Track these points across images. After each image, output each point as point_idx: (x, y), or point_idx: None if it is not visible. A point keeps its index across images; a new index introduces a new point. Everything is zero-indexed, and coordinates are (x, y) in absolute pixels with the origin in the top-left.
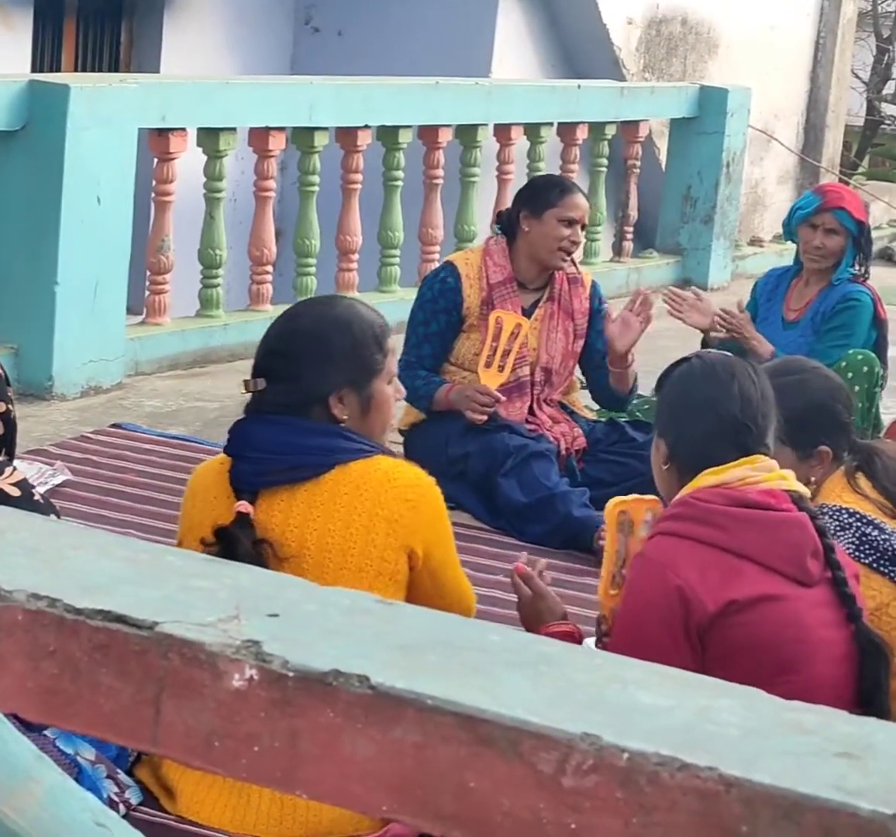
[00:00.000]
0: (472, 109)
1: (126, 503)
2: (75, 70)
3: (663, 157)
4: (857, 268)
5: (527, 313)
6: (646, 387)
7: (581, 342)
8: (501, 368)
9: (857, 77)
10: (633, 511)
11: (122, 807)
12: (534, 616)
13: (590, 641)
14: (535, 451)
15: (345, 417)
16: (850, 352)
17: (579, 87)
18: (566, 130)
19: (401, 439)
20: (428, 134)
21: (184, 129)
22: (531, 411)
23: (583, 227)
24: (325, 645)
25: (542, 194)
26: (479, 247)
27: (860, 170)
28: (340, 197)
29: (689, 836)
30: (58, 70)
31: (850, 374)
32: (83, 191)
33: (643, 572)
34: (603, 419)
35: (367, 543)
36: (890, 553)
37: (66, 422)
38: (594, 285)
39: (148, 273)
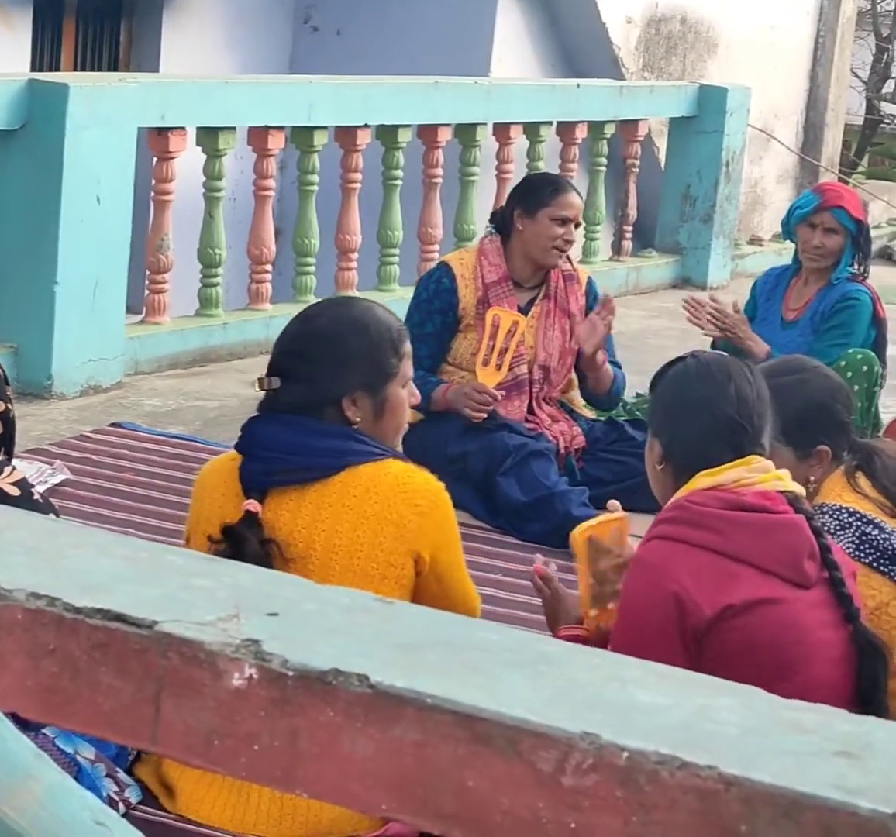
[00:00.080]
0: (472, 108)
1: (125, 502)
2: (75, 69)
3: (663, 156)
4: (856, 267)
5: (523, 312)
6: (646, 385)
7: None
8: (499, 366)
9: (857, 76)
10: (600, 532)
11: (121, 806)
12: (552, 617)
13: None
14: (535, 450)
15: (358, 420)
16: (850, 351)
17: (578, 86)
18: (565, 129)
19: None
20: (427, 133)
21: (183, 129)
22: (530, 410)
23: (577, 226)
24: (325, 644)
25: (535, 193)
26: (473, 247)
27: (859, 169)
28: (340, 196)
29: (688, 835)
30: (57, 69)
31: (849, 373)
32: (83, 190)
33: (639, 577)
34: (602, 418)
35: (373, 547)
36: (890, 552)
37: (66, 422)
38: (590, 282)
39: (147, 272)
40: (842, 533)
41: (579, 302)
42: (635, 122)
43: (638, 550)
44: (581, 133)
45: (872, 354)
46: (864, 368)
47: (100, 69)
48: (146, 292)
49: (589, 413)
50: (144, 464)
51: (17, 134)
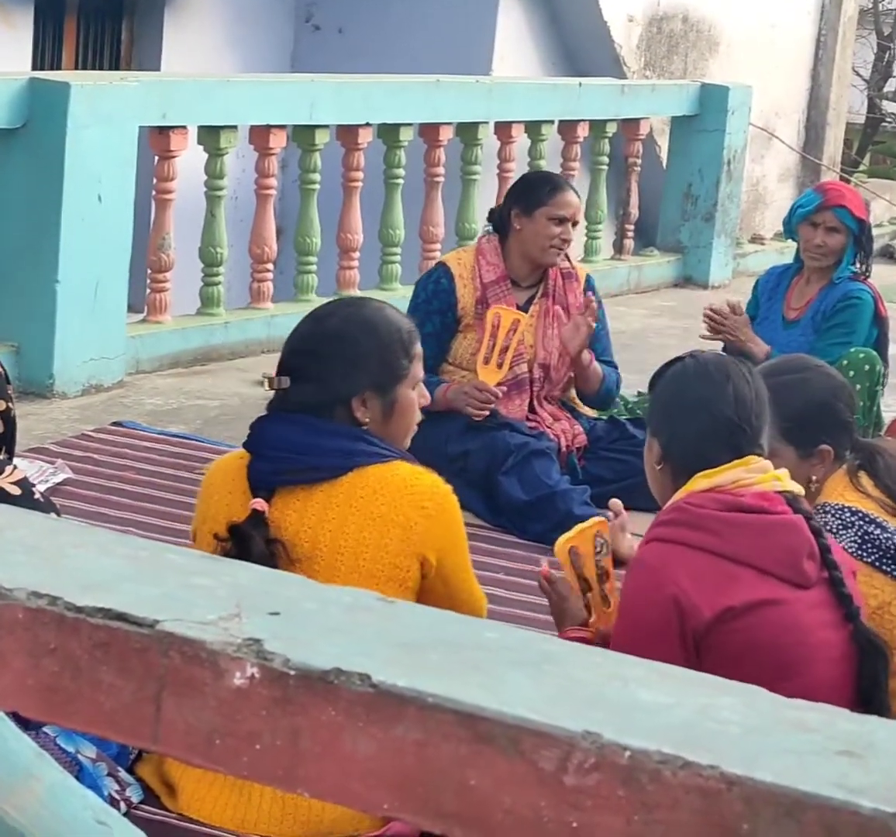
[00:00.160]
0: (473, 107)
1: (126, 501)
2: (76, 68)
3: (664, 155)
4: (857, 266)
5: (522, 310)
6: (647, 384)
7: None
8: (500, 365)
9: (859, 74)
10: (580, 542)
11: (123, 805)
12: (559, 619)
13: None
14: (536, 449)
15: (367, 420)
16: (852, 350)
17: (580, 84)
18: (567, 128)
19: None
20: (429, 132)
21: (184, 127)
22: (531, 409)
23: (574, 225)
24: (326, 643)
25: (532, 192)
26: (471, 247)
27: (861, 167)
28: (341, 195)
29: (690, 834)
30: (58, 68)
31: (851, 373)
32: (84, 189)
33: (638, 579)
34: (603, 417)
35: (379, 548)
36: (892, 551)
37: (67, 421)
38: (588, 279)
39: (149, 271)
40: (844, 532)
41: (578, 299)
42: (637, 120)
43: (637, 552)
44: (583, 132)
45: (874, 353)
46: (867, 367)
47: (101, 68)
48: (147, 291)
49: (590, 411)
50: (146, 463)
51: (19, 133)
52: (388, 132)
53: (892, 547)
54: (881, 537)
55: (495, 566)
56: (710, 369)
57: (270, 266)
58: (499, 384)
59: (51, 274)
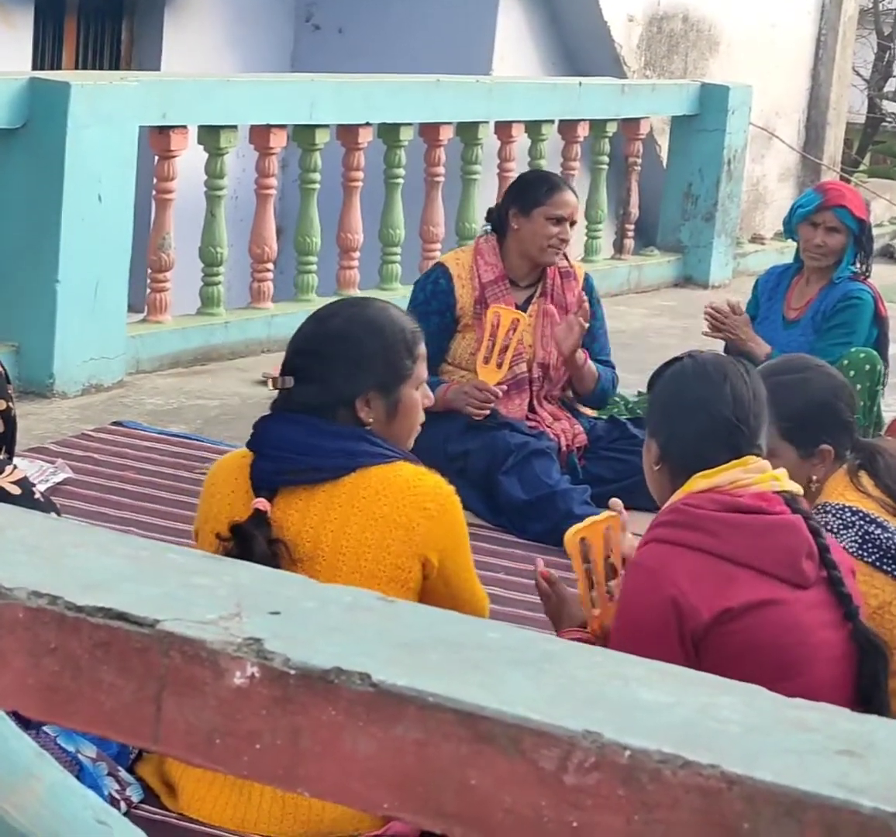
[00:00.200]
0: (473, 107)
1: (127, 501)
2: (76, 68)
3: (664, 155)
4: (858, 266)
5: (520, 310)
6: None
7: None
8: (500, 364)
9: (859, 74)
10: (591, 534)
11: (123, 805)
12: (556, 619)
13: None
14: (536, 449)
15: (371, 421)
16: (853, 349)
17: (580, 84)
18: (567, 128)
19: None
20: (429, 131)
21: (184, 127)
22: (532, 408)
23: (572, 224)
24: (327, 642)
25: (530, 192)
26: (469, 247)
27: (861, 167)
28: (341, 194)
29: (690, 834)
30: (58, 68)
31: (852, 372)
32: (84, 189)
33: (637, 580)
34: (604, 416)
35: (381, 549)
36: (893, 551)
37: (67, 420)
38: (587, 278)
39: (149, 271)
40: (845, 532)
41: (577, 297)
42: (637, 120)
43: (635, 554)
44: (583, 131)
45: (875, 353)
46: (867, 367)
47: (101, 68)
48: (148, 291)
49: (590, 411)
50: (146, 463)
51: (19, 132)
52: (389, 132)
53: (893, 546)
54: (882, 537)
55: (496, 565)
56: (708, 369)
57: (270, 266)
58: (498, 384)
59: (51, 273)
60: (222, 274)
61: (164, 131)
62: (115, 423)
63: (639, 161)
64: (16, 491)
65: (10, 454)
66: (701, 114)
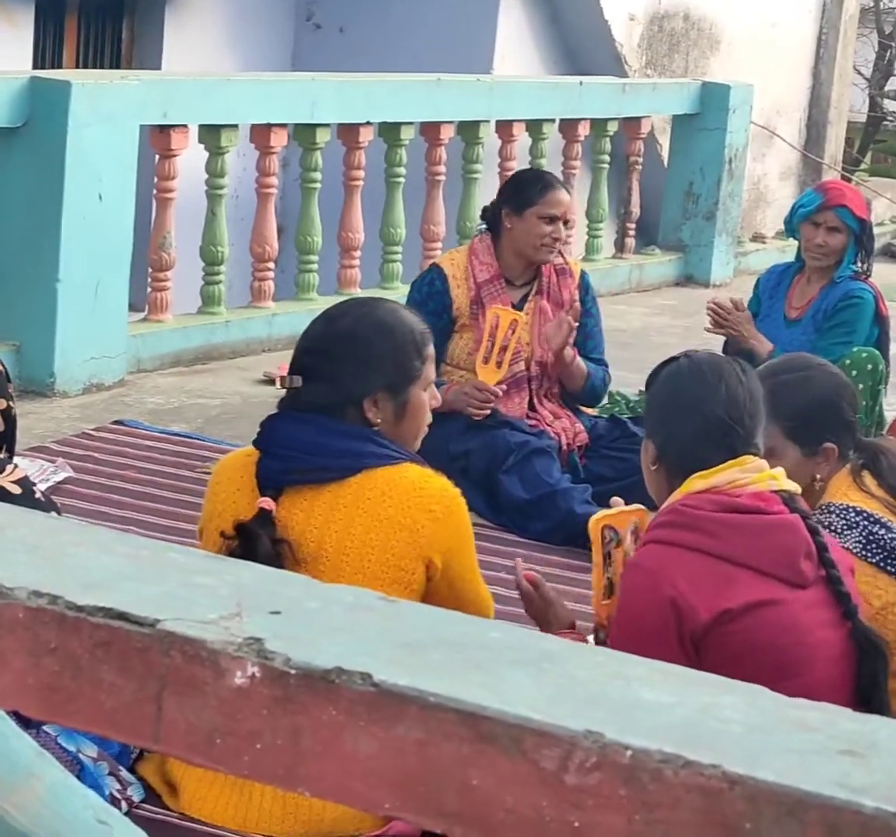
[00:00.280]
0: (474, 106)
1: (127, 500)
2: (77, 67)
3: (665, 154)
4: (859, 265)
5: (517, 309)
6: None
7: (574, 333)
8: (499, 364)
9: (860, 73)
10: (617, 523)
11: (124, 804)
12: (542, 622)
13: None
14: (537, 448)
15: (378, 421)
16: (855, 349)
17: (581, 83)
18: (568, 127)
19: None
20: (430, 130)
21: (185, 126)
22: (532, 407)
23: (566, 223)
24: (328, 642)
25: (522, 191)
26: (464, 247)
27: (862, 166)
28: (342, 193)
29: (692, 834)
30: (59, 67)
31: (854, 372)
32: (85, 188)
33: (636, 581)
34: (605, 415)
35: (385, 550)
36: None
37: (68, 419)
38: (583, 275)
39: (150, 270)
40: (849, 532)
41: (573, 295)
42: (638, 119)
43: (634, 554)
44: (584, 130)
45: (877, 352)
46: (869, 366)
47: (102, 67)
48: (148, 290)
49: (591, 410)
50: (147, 462)
51: (20, 131)
52: (390, 131)
53: None
54: (886, 537)
55: (498, 565)
56: (703, 369)
57: (271, 265)
58: (498, 383)
59: (52, 272)
60: (223, 273)
61: (164, 130)
62: (115, 422)
63: (640, 160)
64: (16, 490)
65: (11, 453)
66: (702, 113)
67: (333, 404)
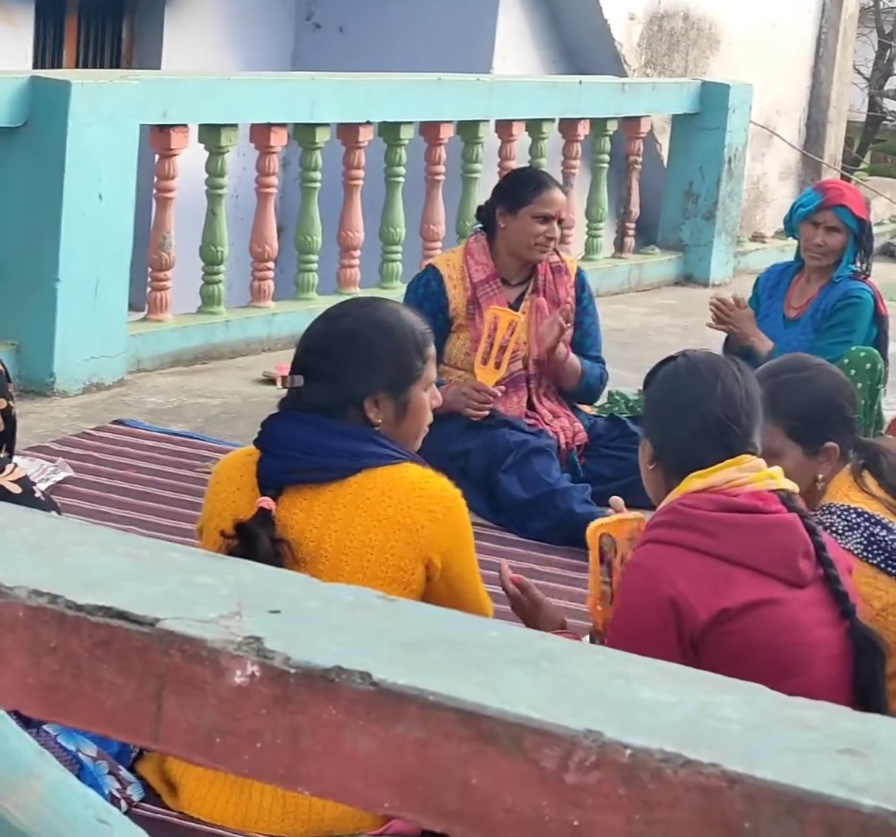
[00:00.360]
0: (474, 105)
1: (127, 499)
2: (77, 67)
3: (665, 153)
4: (858, 265)
5: (513, 308)
6: None
7: (571, 331)
8: (498, 365)
9: (859, 73)
10: (615, 531)
11: (123, 804)
12: (531, 626)
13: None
14: (536, 447)
15: (379, 421)
16: (853, 348)
17: (581, 83)
18: (568, 126)
19: None
20: (429, 130)
21: (185, 126)
22: (531, 406)
23: (560, 222)
24: (328, 641)
25: (516, 191)
26: (459, 248)
27: (862, 166)
28: (342, 193)
29: (691, 833)
30: (59, 67)
31: (852, 371)
32: (84, 187)
33: (635, 581)
34: (604, 415)
35: (384, 550)
36: None
37: (68, 419)
38: (579, 273)
39: (149, 269)
40: (850, 534)
41: (569, 293)
42: (637, 118)
43: (632, 554)
44: (583, 130)
45: (876, 351)
46: (868, 365)
47: (102, 66)
48: (148, 289)
49: (590, 409)
50: (146, 462)
51: (20, 131)
52: (389, 130)
53: None
54: (887, 539)
55: (496, 564)
56: (700, 368)
57: (271, 264)
58: (497, 383)
59: (51, 272)
60: (223, 272)
61: (164, 130)
62: (115, 422)
63: (639, 159)
64: (16, 489)
65: (11, 453)
66: (701, 112)
67: (334, 404)
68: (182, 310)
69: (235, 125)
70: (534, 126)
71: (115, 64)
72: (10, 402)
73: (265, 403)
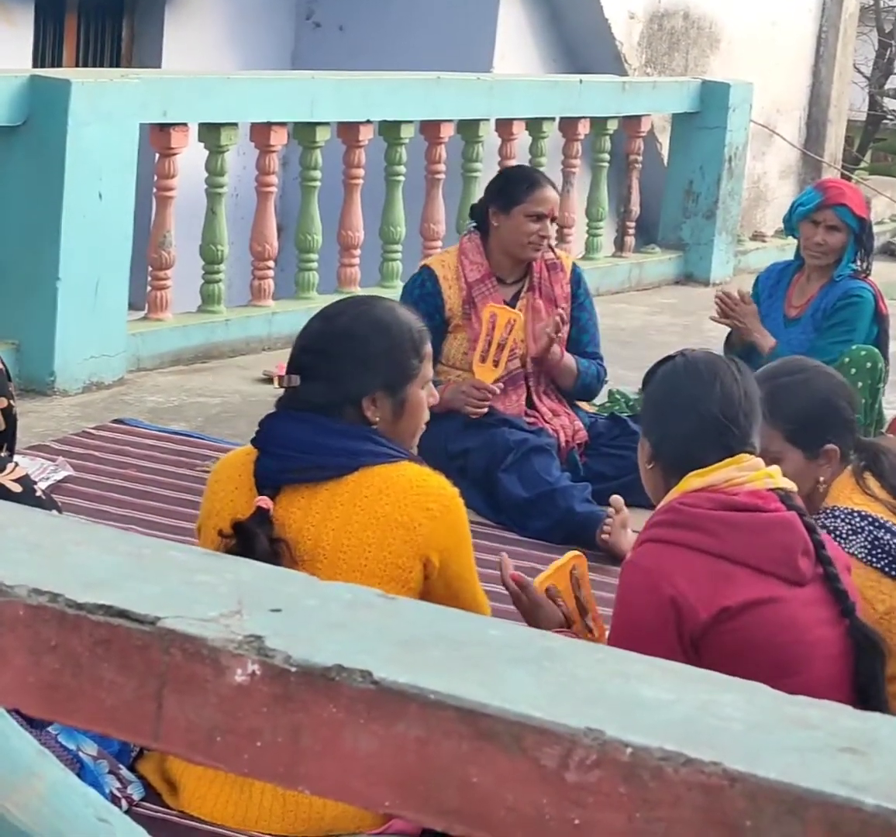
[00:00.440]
0: (474, 104)
1: (128, 498)
2: (76, 65)
3: (665, 152)
4: (858, 264)
5: (509, 306)
6: None
7: (567, 328)
8: (496, 363)
9: (860, 72)
10: (556, 581)
11: (124, 803)
12: (532, 622)
13: None
14: (536, 446)
15: (377, 420)
16: (854, 347)
17: (581, 81)
18: (568, 125)
19: None
20: (429, 129)
21: (185, 125)
22: (531, 404)
23: (553, 220)
24: (328, 639)
25: (509, 189)
26: (454, 248)
27: (862, 165)
28: (342, 192)
29: (692, 831)
30: (59, 65)
31: (853, 370)
32: (84, 186)
33: (635, 580)
34: (604, 413)
35: (382, 548)
36: None
37: (68, 418)
38: (575, 269)
39: (149, 268)
40: (854, 537)
41: (564, 290)
42: (638, 117)
43: (632, 553)
44: (583, 129)
45: (876, 350)
46: (868, 364)
47: (102, 65)
48: (148, 288)
49: (590, 407)
50: (147, 461)
51: (19, 130)
52: (389, 129)
53: None
54: (891, 542)
55: (496, 563)
56: (699, 368)
57: (271, 263)
58: (495, 381)
59: (51, 271)
60: (223, 271)
61: (164, 129)
62: (115, 421)
63: (640, 158)
64: (17, 488)
65: (11, 452)
66: (702, 111)
67: (331, 403)
68: (182, 309)
69: (235, 124)
70: (534, 125)
71: (115, 63)
72: (11, 401)
73: (265, 402)
